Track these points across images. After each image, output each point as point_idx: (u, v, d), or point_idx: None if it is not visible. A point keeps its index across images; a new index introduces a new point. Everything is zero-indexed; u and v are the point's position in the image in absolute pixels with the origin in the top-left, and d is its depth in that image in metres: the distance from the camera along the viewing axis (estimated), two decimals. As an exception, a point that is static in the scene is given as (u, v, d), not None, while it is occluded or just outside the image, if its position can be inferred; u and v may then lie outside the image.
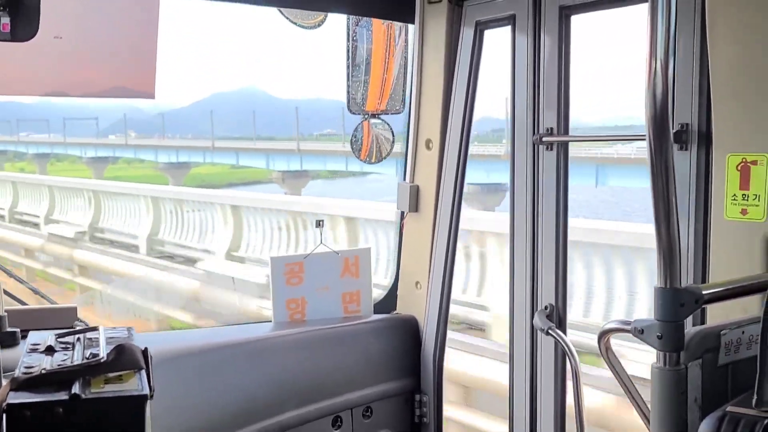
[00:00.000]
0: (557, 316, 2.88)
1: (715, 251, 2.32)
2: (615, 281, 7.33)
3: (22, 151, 42.78)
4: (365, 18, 3.21)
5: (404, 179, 3.36)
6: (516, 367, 3.06)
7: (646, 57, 1.63)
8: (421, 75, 3.22)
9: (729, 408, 1.73)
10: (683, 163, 2.38)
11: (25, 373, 1.78)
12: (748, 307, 2.00)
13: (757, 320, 1.76)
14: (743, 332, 1.86)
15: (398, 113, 3.34)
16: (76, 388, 1.70)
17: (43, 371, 1.79)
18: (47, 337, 2.06)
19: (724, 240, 2.29)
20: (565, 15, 2.77)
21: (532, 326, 2.94)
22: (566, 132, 2.84)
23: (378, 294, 3.51)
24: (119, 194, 17.71)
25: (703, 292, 1.76)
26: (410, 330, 3.34)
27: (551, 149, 2.85)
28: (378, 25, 3.26)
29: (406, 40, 3.30)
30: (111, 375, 1.80)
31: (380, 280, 3.77)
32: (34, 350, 1.97)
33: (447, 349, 3.32)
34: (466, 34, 3.07)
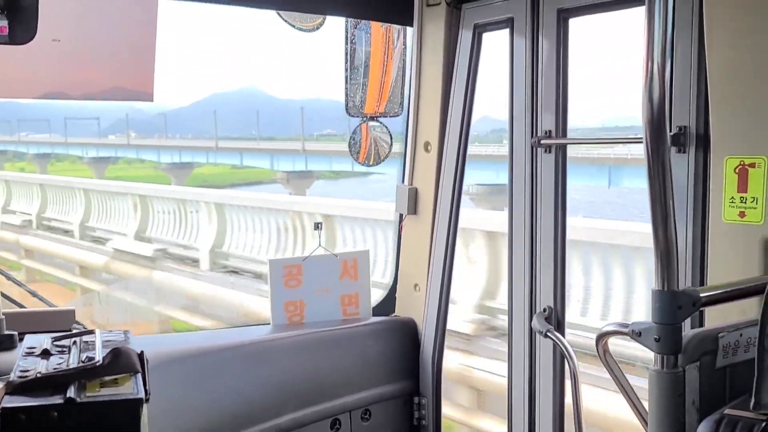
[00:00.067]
0: (556, 319, 2.88)
1: (713, 254, 2.32)
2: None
3: (22, 151, 42.81)
4: (364, 21, 3.21)
5: (403, 182, 3.36)
6: (514, 369, 3.06)
7: (643, 60, 1.63)
8: (420, 78, 3.22)
9: (727, 411, 1.73)
10: (681, 165, 2.38)
11: (21, 377, 1.77)
12: (746, 309, 1.99)
13: (754, 323, 1.76)
14: (741, 335, 1.86)
15: (397, 116, 3.34)
16: (71, 392, 1.70)
17: (39, 375, 1.78)
18: (43, 341, 2.06)
19: (722, 242, 2.29)
20: (563, 18, 2.76)
21: (531, 328, 2.94)
22: (564, 134, 2.83)
23: (377, 296, 3.51)
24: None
25: (701, 295, 1.76)
26: (409, 332, 3.33)
27: (549, 152, 2.85)
28: (376, 27, 3.26)
29: (405, 43, 3.30)
30: (107, 379, 1.79)
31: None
32: (29, 354, 1.96)
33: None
34: (465, 37, 3.06)
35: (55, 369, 1.83)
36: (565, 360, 2.82)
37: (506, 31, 2.94)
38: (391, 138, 3.34)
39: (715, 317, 2.17)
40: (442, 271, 3.21)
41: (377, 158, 3.37)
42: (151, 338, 3.24)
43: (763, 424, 1.66)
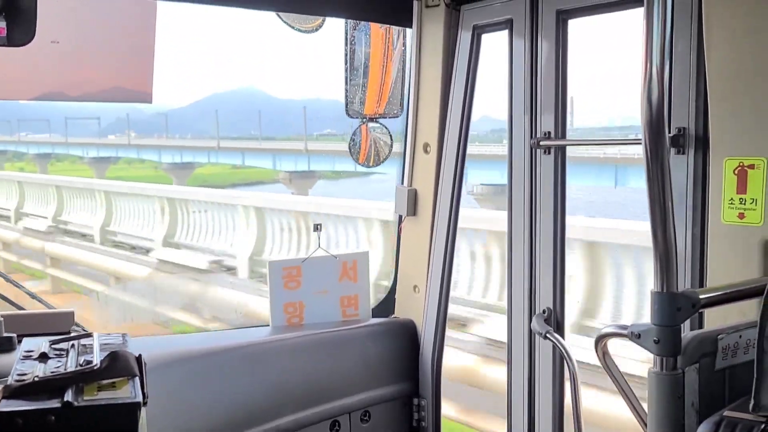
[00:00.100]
0: (555, 320, 2.88)
1: (712, 255, 2.31)
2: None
3: (22, 151, 42.77)
4: (363, 22, 3.21)
5: (402, 183, 3.35)
6: (514, 371, 3.05)
7: (642, 61, 1.63)
8: (419, 79, 3.22)
9: (726, 412, 1.73)
10: (680, 166, 2.38)
11: (18, 381, 1.77)
12: (746, 311, 1.99)
13: (754, 324, 1.76)
14: (740, 336, 1.86)
15: (396, 117, 3.34)
16: (68, 396, 1.69)
17: (36, 378, 1.78)
18: (41, 344, 2.05)
19: (722, 244, 2.28)
20: (562, 19, 2.76)
21: (530, 330, 2.94)
22: (563, 136, 2.83)
23: (376, 298, 3.50)
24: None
25: (700, 297, 1.75)
26: (408, 334, 3.33)
27: (549, 153, 2.84)
28: (376, 29, 3.25)
29: (404, 44, 3.29)
30: (104, 382, 1.79)
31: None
32: (27, 357, 1.96)
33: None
34: (464, 38, 3.06)
35: (52, 373, 1.82)
36: (565, 362, 2.82)
37: (505, 33, 2.94)
38: (391, 138, 3.34)
39: (715, 319, 2.16)
40: (441, 272, 3.21)
41: (377, 159, 3.36)
42: (150, 340, 3.23)
43: (763, 425, 1.65)
